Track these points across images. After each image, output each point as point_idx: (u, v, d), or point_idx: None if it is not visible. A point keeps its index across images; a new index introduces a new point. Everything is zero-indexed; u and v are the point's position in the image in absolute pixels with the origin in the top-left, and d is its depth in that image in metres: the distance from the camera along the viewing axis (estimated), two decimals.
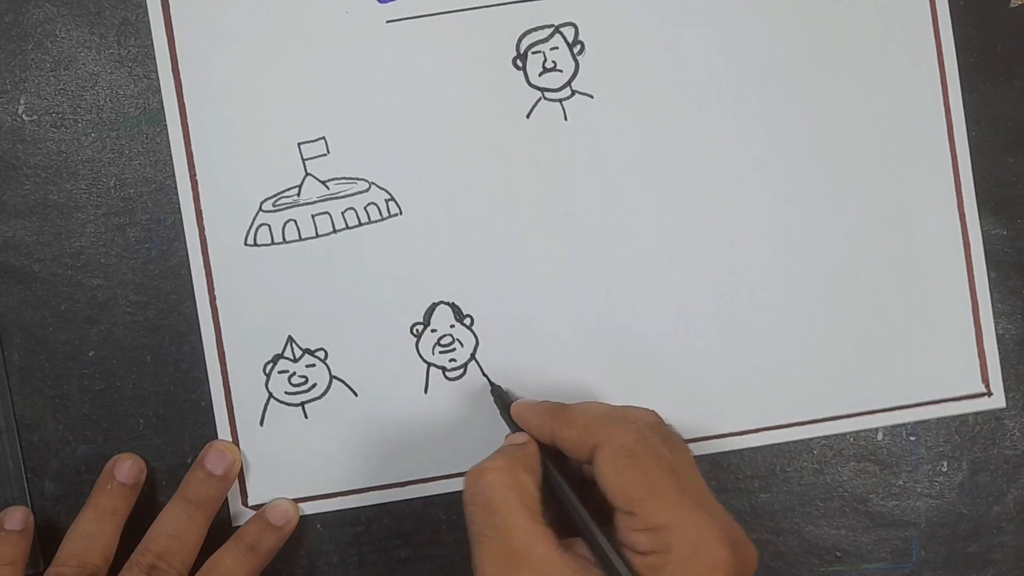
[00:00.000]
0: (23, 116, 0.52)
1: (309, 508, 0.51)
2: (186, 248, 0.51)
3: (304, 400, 0.51)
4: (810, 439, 0.52)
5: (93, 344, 0.51)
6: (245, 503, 0.51)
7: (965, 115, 0.52)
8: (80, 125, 0.52)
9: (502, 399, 0.50)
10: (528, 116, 0.51)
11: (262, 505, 0.51)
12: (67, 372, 0.51)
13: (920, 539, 0.52)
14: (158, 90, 0.51)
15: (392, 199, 0.51)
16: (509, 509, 0.42)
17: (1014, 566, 0.52)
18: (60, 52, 0.52)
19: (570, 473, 0.45)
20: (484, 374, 0.51)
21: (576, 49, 0.51)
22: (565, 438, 0.44)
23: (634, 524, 0.41)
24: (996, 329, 0.52)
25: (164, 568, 0.48)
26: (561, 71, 0.51)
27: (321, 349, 0.51)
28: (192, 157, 0.51)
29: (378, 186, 0.51)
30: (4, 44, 0.51)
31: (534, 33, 0.51)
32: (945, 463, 0.52)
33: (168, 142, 0.51)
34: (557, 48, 0.51)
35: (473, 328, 0.52)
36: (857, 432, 0.52)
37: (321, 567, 0.52)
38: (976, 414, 0.52)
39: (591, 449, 0.43)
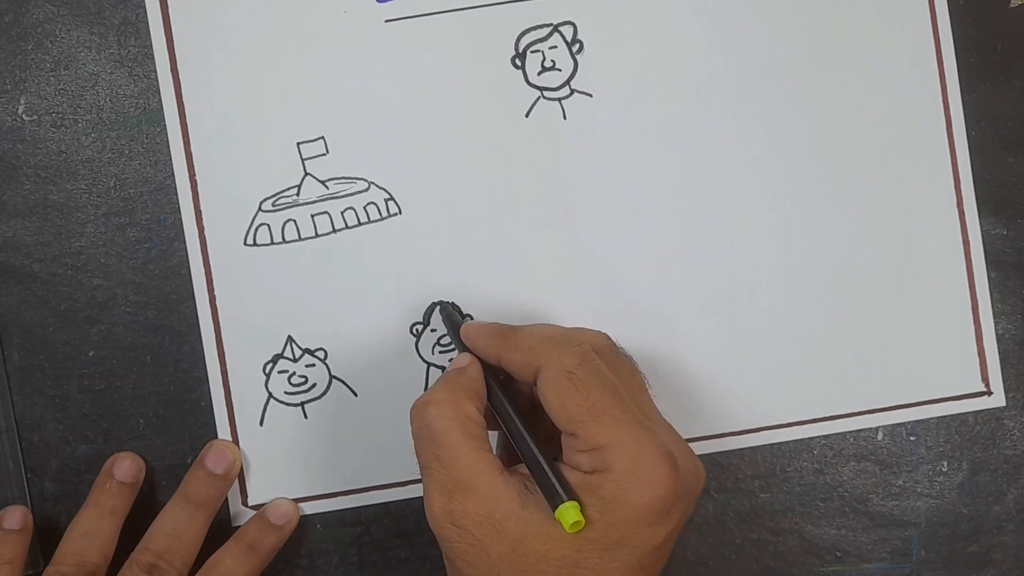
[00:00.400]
0: (23, 116, 0.52)
1: (309, 508, 0.52)
2: (186, 248, 0.51)
3: (304, 400, 0.51)
4: (810, 439, 0.52)
5: (93, 344, 0.51)
6: (245, 503, 0.51)
7: (965, 115, 0.52)
8: (80, 125, 0.52)
9: (451, 318, 0.49)
10: (527, 115, 0.51)
11: (262, 505, 0.51)
12: (67, 372, 0.51)
13: (920, 539, 0.52)
14: (158, 90, 0.51)
15: (391, 199, 0.51)
16: (452, 440, 0.42)
17: (1014, 566, 0.52)
18: (60, 52, 0.52)
19: (519, 396, 0.45)
20: (441, 303, 0.51)
21: (575, 48, 0.51)
22: (510, 361, 0.44)
23: (576, 445, 0.41)
24: (996, 329, 0.52)
25: (164, 567, 0.48)
26: (560, 70, 0.51)
27: (321, 349, 0.51)
28: (191, 157, 0.51)
29: (377, 186, 0.51)
30: (4, 44, 0.51)
31: (533, 32, 0.51)
32: (945, 463, 0.52)
33: (167, 142, 0.51)
34: (556, 47, 0.51)
35: None
36: (857, 432, 0.52)
37: (321, 567, 0.52)
38: (976, 414, 0.52)
39: (535, 372, 0.43)
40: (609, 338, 0.45)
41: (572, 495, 0.40)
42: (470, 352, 0.46)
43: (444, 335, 0.51)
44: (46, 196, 0.51)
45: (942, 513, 0.52)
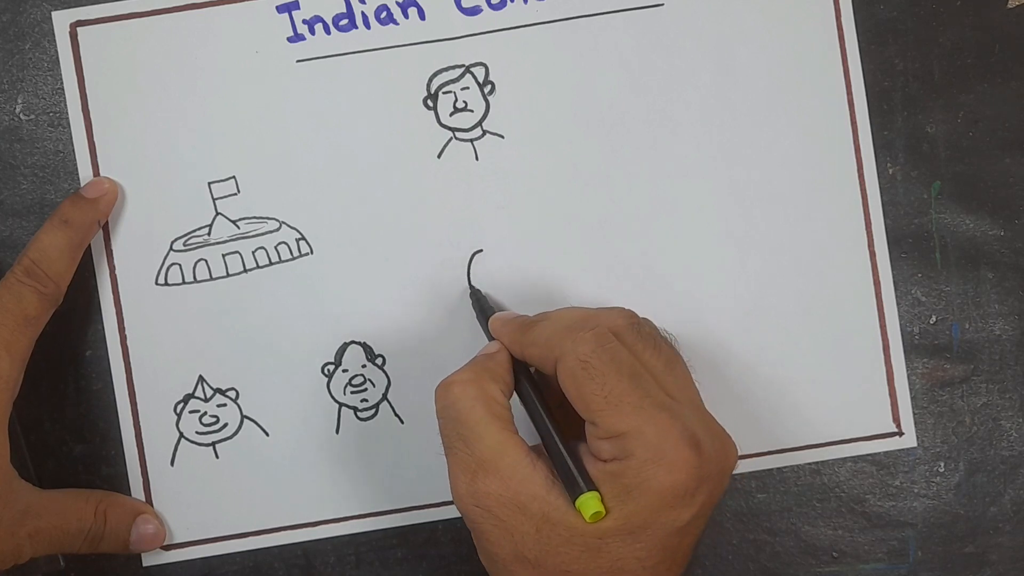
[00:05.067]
0: (20, 115, 0.52)
1: (220, 548, 0.51)
2: (97, 287, 0.51)
3: (215, 440, 0.51)
4: None
5: (90, 344, 0.51)
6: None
7: (888, 151, 0.52)
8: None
9: (480, 304, 0.50)
10: (439, 156, 0.51)
11: (174, 546, 0.51)
12: (64, 372, 0.51)
13: (917, 540, 0.52)
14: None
15: (303, 238, 0.51)
16: (475, 420, 0.42)
17: (1011, 567, 0.52)
18: (57, 51, 0.51)
19: (548, 387, 0.45)
20: (473, 288, 0.51)
21: (487, 89, 0.51)
22: (532, 356, 0.44)
23: (596, 433, 0.41)
24: (994, 329, 0.52)
25: (40, 274, 0.48)
26: (472, 111, 0.51)
27: (232, 389, 0.51)
28: None
29: (289, 225, 0.51)
30: (1, 44, 0.52)
31: (445, 73, 0.51)
32: (942, 464, 0.52)
33: (79, 181, 0.51)
34: (468, 88, 0.51)
35: (385, 368, 0.52)
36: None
37: (318, 566, 0.52)
38: (973, 414, 0.52)
39: (554, 364, 0.43)
40: (632, 316, 0.44)
41: (592, 486, 0.41)
42: (499, 341, 0.46)
43: (356, 375, 0.51)
44: (43, 196, 0.52)
45: (939, 514, 0.52)
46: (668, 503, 0.40)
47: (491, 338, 0.47)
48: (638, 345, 0.43)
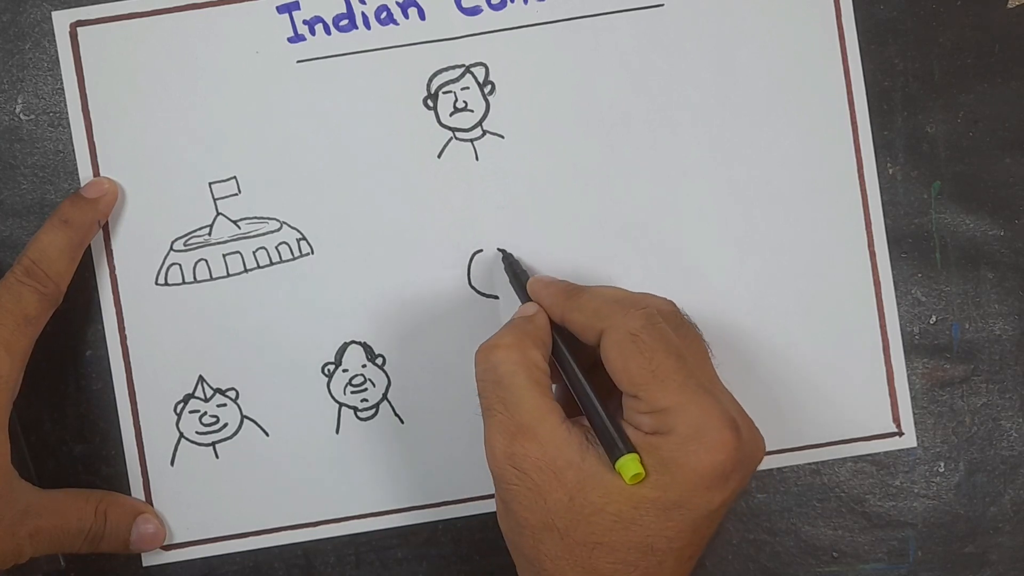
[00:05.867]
0: (20, 115, 0.52)
1: (221, 548, 0.51)
2: (97, 287, 0.51)
3: (215, 440, 0.51)
4: None
5: (90, 344, 0.51)
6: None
7: (888, 151, 0.52)
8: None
9: (513, 267, 0.50)
10: (439, 156, 0.51)
11: (174, 546, 0.51)
12: (64, 372, 0.51)
13: (917, 540, 0.52)
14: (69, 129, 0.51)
15: (304, 239, 0.51)
16: (517, 384, 0.43)
17: (1011, 567, 0.52)
18: (57, 51, 0.51)
19: (581, 351, 0.45)
20: (503, 251, 0.51)
21: (487, 89, 0.51)
22: (573, 322, 0.45)
23: (638, 407, 0.42)
24: (994, 329, 0.52)
25: (40, 273, 0.48)
26: (472, 111, 0.51)
27: (232, 389, 0.51)
28: None
29: (290, 226, 0.51)
30: (1, 44, 0.52)
31: (445, 73, 0.51)
32: (942, 464, 0.52)
33: (79, 181, 0.51)
34: (468, 88, 0.51)
35: (385, 368, 0.52)
36: None
37: (318, 566, 0.52)
38: (973, 414, 0.52)
39: (598, 334, 0.43)
40: (675, 305, 0.46)
41: (632, 448, 0.41)
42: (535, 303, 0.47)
43: (356, 375, 0.51)
44: (43, 196, 0.52)
45: (939, 514, 0.52)
46: (705, 483, 0.41)
47: (524, 300, 0.47)
48: (680, 331, 0.44)
